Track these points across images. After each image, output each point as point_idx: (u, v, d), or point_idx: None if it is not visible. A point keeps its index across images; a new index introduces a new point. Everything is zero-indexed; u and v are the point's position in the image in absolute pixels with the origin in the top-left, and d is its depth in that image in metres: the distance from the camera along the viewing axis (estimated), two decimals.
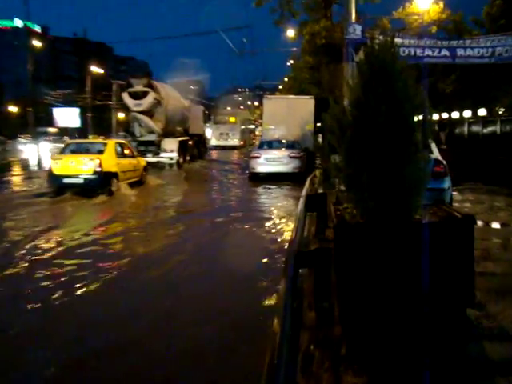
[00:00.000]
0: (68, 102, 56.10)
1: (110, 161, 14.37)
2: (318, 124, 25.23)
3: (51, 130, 60.95)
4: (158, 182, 17.46)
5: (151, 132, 23.04)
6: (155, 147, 22.82)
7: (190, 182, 18.12)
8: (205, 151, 31.87)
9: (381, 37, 3.71)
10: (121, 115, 51.00)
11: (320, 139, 22.08)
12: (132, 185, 15.52)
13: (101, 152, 14.49)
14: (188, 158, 25.59)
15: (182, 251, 7.70)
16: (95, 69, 50.92)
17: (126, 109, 25.45)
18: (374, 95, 3.33)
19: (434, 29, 23.90)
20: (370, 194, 3.35)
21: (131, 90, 22.38)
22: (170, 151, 22.78)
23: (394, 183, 3.30)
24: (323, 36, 23.45)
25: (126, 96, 22.49)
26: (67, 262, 7.04)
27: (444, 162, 8.12)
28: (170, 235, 8.86)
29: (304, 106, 20.79)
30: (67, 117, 55.91)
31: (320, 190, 7.57)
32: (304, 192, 6.73)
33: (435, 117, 29.69)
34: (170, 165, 22.91)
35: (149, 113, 22.60)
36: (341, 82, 13.34)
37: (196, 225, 10.00)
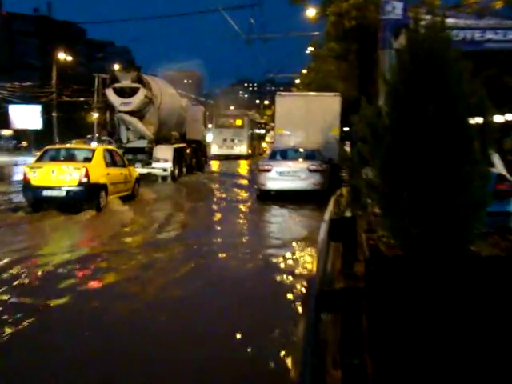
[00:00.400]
0: (28, 98, 56.50)
1: (98, 170, 15.02)
2: (346, 128, 25.33)
3: (6, 132, 61.46)
4: (153, 198, 18.29)
5: (141, 137, 23.64)
6: (145, 155, 23.45)
7: (188, 200, 18.64)
8: (205, 161, 32.72)
9: (428, 16, 3.72)
10: (95, 115, 51.42)
11: (348, 148, 22.15)
12: (123, 199, 16.23)
13: (87, 160, 15.15)
14: (185, 169, 26.33)
15: (171, 294, 7.61)
16: (63, 56, 51.44)
17: (109, 108, 25.99)
18: (418, 92, 3.34)
19: (498, 4, 23.73)
20: (412, 219, 3.34)
21: (117, 85, 22.90)
22: (163, 161, 23.33)
23: (444, 205, 3.29)
24: (353, 16, 23.62)
25: (110, 93, 23.00)
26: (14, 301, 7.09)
27: (510, 178, 8.10)
28: (167, 270, 8.87)
29: (327, 106, 20.99)
30: (26, 116, 56.21)
31: (348, 214, 7.55)
32: (327, 216, 6.72)
33: (498, 119, 29.65)
34: (163, 177, 23.50)
35: (139, 113, 23.14)
36: (375, 76, 13.42)
37: (195, 254, 10.08)
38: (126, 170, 17.17)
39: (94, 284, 8.05)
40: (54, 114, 50.02)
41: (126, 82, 22.84)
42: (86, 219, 13.80)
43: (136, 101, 22.67)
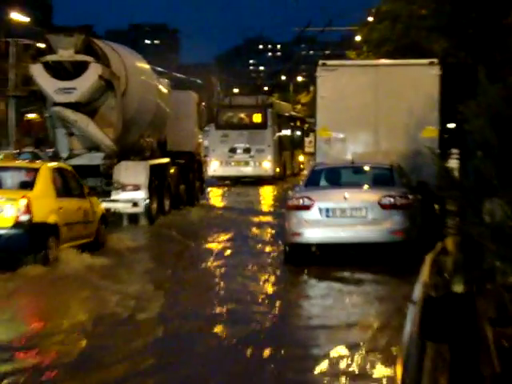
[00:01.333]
0: None
1: (45, 203, 15.99)
2: (451, 125, 25.27)
3: None
4: (126, 248, 19.29)
5: (93, 148, 24.31)
6: (101, 180, 24.20)
7: (178, 260, 19.19)
8: (200, 189, 33.84)
9: None
10: None
11: (455, 163, 22.11)
12: (82, 249, 17.10)
13: (27, 186, 16.15)
14: (168, 202, 27.02)
15: None
16: None
17: (37, 98, 26.26)
18: None
19: None
20: None
21: (51, 58, 23.47)
22: (131, 188, 23.88)
23: None
24: None
25: (39, 71, 23.55)
26: None
27: None
28: None
29: (416, 85, 21.07)
30: None
31: (458, 288, 7.54)
32: (418, 292, 6.69)
33: None
34: (133, 217, 24.29)
35: (89, 107, 23.85)
36: (508, 24, 13.37)
37: None
38: (87, 201, 18.06)
39: None
40: None
41: (66, 53, 23.19)
42: (25, 284, 14.37)
43: (84, 85, 23.12)
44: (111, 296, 14.03)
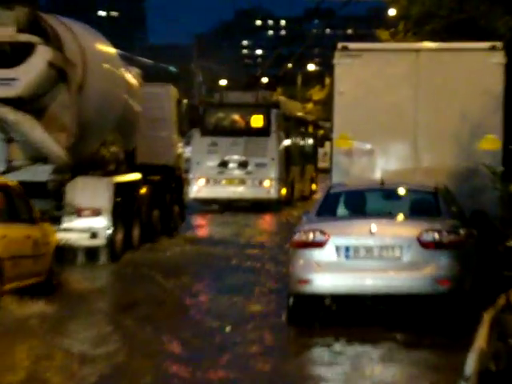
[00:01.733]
0: None
1: None
2: None
3: None
4: (88, 290, 19.90)
5: (39, 159, 24.55)
6: (49, 201, 24.36)
7: (146, 316, 18.87)
8: (181, 215, 34.54)
9: None
10: None
11: None
12: (30, 292, 17.52)
13: None
14: (137, 232, 27.61)
15: None
16: None
17: None
18: None
19: None
20: None
21: None
22: (89, 213, 24.33)
23: None
24: None
25: None
26: None
27: None
28: None
29: (471, 77, 21.17)
30: None
31: None
32: (471, 362, 6.70)
33: None
34: (91, 252, 24.64)
35: (35, 104, 24.03)
36: None
37: None
38: (37, 228, 18.41)
39: None
40: None
41: (4, 32, 23.44)
42: None
43: (29, 75, 23.27)
44: (70, 359, 14.01)
